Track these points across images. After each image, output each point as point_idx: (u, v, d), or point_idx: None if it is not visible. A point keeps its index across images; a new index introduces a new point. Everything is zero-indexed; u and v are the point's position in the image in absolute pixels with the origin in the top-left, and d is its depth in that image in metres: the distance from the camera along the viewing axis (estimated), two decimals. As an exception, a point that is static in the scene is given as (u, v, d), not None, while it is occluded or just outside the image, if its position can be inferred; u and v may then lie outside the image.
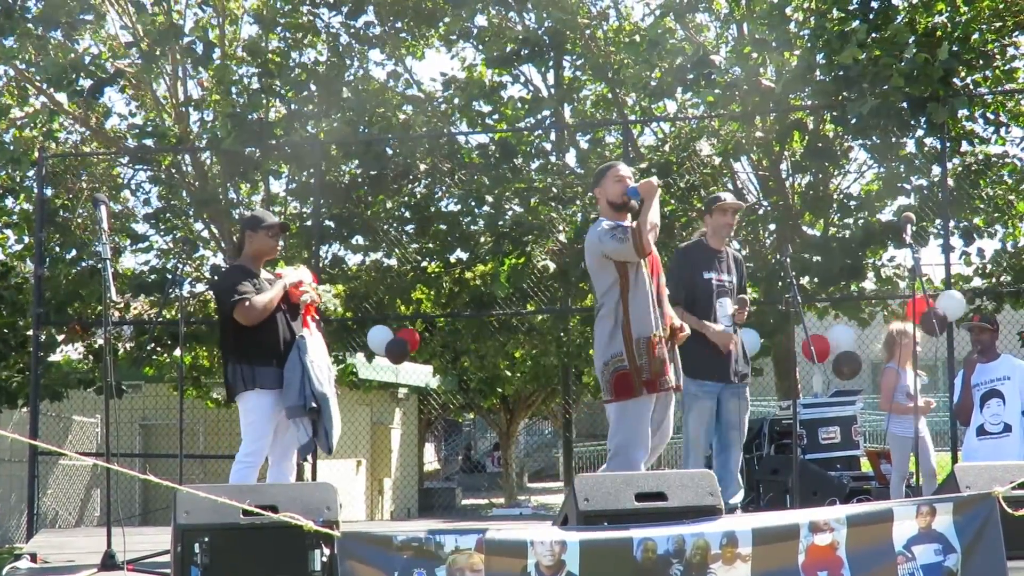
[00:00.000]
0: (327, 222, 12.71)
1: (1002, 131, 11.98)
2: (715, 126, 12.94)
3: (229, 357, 6.73)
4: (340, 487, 5.43)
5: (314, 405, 6.66)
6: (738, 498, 7.22)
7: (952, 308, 9.59)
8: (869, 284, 12.54)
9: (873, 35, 10.62)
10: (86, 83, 13.08)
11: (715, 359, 7.15)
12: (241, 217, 7.16)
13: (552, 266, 13.12)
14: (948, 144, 10.77)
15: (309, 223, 12.63)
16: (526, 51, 13.22)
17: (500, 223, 12.55)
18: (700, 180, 12.60)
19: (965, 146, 11.85)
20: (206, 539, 4.63)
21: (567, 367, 16.48)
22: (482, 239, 13.02)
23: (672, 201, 12.52)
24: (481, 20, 13.90)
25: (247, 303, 6.62)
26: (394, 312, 13.25)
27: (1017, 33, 11.66)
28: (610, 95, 14.05)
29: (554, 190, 12.91)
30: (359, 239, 13.41)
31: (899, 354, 7.88)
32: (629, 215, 6.35)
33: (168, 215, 13.84)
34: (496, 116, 13.84)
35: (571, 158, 14.20)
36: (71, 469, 16.37)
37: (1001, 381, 7.73)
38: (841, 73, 10.66)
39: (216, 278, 6.87)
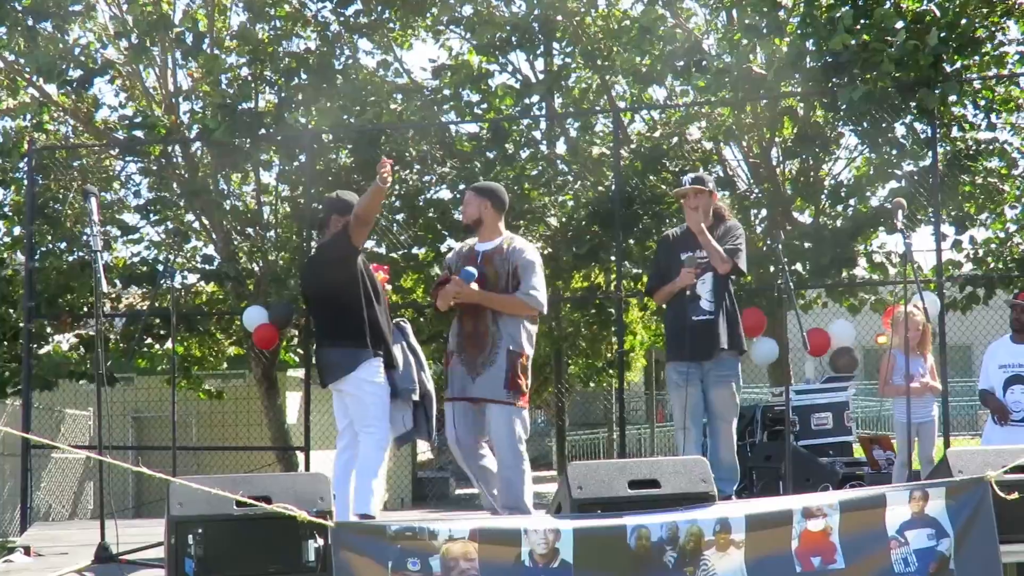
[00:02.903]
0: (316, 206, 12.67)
1: (992, 117, 11.99)
2: (706, 111, 12.95)
3: (346, 334, 6.53)
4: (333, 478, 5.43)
5: (429, 390, 6.75)
6: (736, 487, 7.22)
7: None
8: (860, 271, 12.56)
9: (862, 21, 10.62)
10: (76, 74, 13.05)
11: (688, 341, 7.14)
12: (327, 199, 7.05)
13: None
14: (939, 130, 10.78)
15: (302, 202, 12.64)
16: (515, 38, 13.19)
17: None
18: (691, 166, 12.59)
19: (955, 132, 11.86)
20: (200, 530, 4.63)
21: (560, 355, 16.49)
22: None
23: (663, 187, 12.53)
24: (467, 9, 13.83)
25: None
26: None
27: (1005, 18, 11.66)
28: (600, 81, 14.03)
29: (544, 177, 12.90)
30: (350, 227, 13.36)
31: (903, 337, 7.85)
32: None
33: (159, 206, 13.81)
34: (485, 106, 13.80)
35: (562, 146, 14.20)
36: (64, 462, 16.35)
37: None
38: (831, 59, 10.66)
39: (325, 255, 6.64)
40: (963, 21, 10.89)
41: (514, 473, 6.65)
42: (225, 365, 15.54)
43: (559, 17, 13.00)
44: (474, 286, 6.55)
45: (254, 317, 11.51)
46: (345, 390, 6.55)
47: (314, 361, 6.97)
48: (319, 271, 6.78)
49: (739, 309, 7.50)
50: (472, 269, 6.55)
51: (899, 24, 10.49)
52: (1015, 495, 4.81)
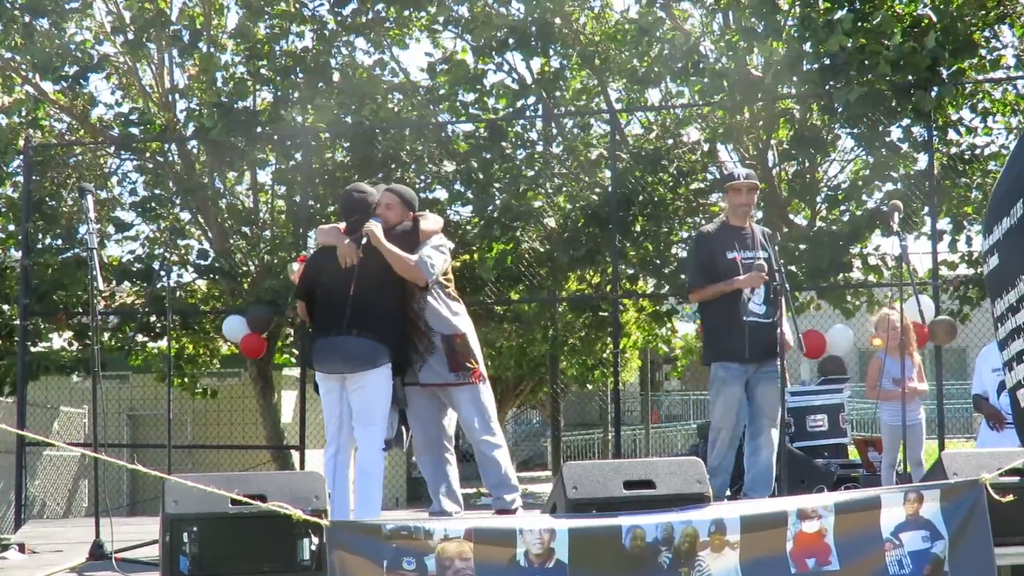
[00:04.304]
0: (311, 202, 12.66)
1: (988, 120, 12.00)
2: (704, 112, 12.95)
3: (380, 329, 6.52)
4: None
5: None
6: (766, 494, 7.16)
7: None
8: (855, 274, 12.55)
9: (859, 24, 10.64)
10: (71, 70, 13.04)
11: (740, 340, 7.15)
12: (358, 197, 6.86)
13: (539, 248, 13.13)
14: (935, 133, 10.79)
15: (297, 199, 12.61)
16: (513, 40, 13.18)
17: (490, 208, 12.53)
18: (688, 168, 12.60)
19: (952, 135, 11.87)
20: (195, 528, 4.62)
21: (555, 355, 16.47)
22: (468, 226, 12.99)
23: (661, 189, 12.53)
24: (464, 11, 13.76)
25: None
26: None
27: (999, 24, 11.68)
28: (596, 82, 14.02)
29: (541, 179, 12.89)
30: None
31: (886, 340, 7.87)
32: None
33: (154, 204, 13.81)
34: (477, 106, 13.79)
35: (557, 148, 14.18)
36: (59, 459, 16.34)
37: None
38: (828, 61, 10.68)
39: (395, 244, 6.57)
40: (959, 25, 10.91)
41: (488, 448, 6.71)
42: (217, 365, 15.52)
43: (557, 20, 12.98)
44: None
45: (235, 327, 11.47)
46: (360, 384, 6.48)
47: (323, 348, 6.61)
48: (380, 255, 6.61)
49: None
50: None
51: (896, 28, 10.51)
52: (1010, 498, 4.82)
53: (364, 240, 6.54)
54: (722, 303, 7.26)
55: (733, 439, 7.31)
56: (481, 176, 12.49)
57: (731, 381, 7.23)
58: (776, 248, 7.35)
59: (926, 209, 10.95)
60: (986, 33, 11.61)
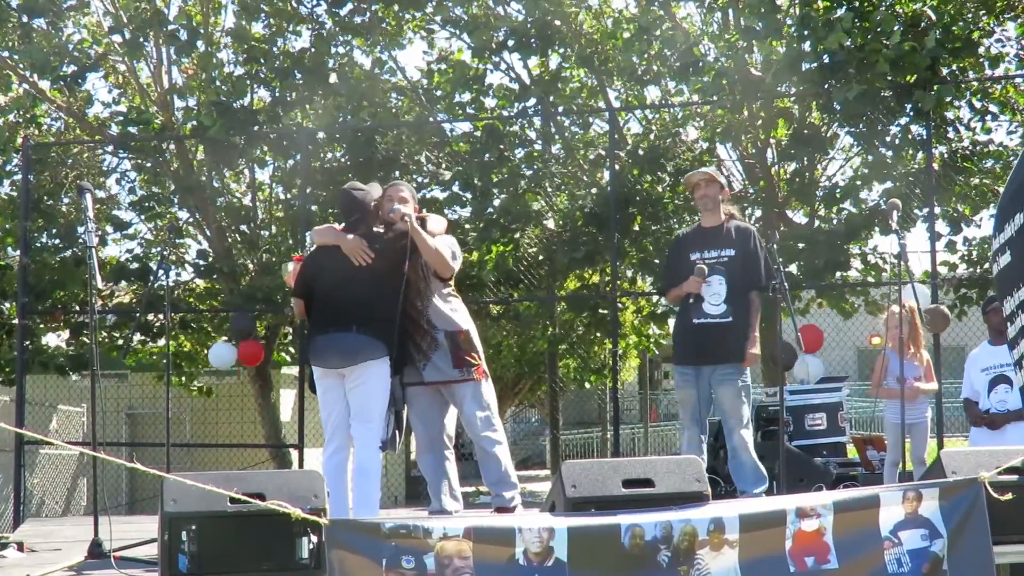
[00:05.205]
0: (312, 207, 12.65)
1: (987, 119, 12.01)
2: (704, 111, 12.95)
3: (379, 324, 6.49)
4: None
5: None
6: (760, 489, 7.19)
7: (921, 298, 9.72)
8: (854, 273, 12.56)
9: (859, 23, 10.64)
10: (69, 69, 13.04)
11: (688, 344, 7.23)
12: (359, 196, 6.79)
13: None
14: (934, 131, 10.79)
15: (295, 203, 12.59)
16: (513, 41, 13.16)
17: (489, 210, 12.52)
18: (688, 167, 12.58)
19: (951, 133, 11.87)
20: (193, 527, 4.61)
21: (554, 354, 16.47)
22: (468, 227, 12.98)
23: (660, 188, 12.53)
24: (460, 11, 13.72)
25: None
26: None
27: (1003, 15, 11.67)
28: (595, 81, 14.01)
29: (540, 175, 12.89)
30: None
31: (886, 337, 7.86)
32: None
33: (152, 203, 13.79)
34: (474, 106, 13.77)
35: (556, 148, 14.17)
36: (57, 458, 16.33)
37: (1011, 367, 7.65)
38: (827, 60, 10.68)
39: (402, 240, 6.46)
40: (959, 24, 10.91)
41: (489, 444, 6.72)
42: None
43: (557, 21, 12.95)
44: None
45: (222, 355, 11.73)
46: (359, 378, 6.44)
47: (321, 344, 6.56)
48: (385, 248, 6.58)
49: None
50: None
51: (895, 27, 10.51)
52: (1008, 496, 4.82)
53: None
54: (681, 307, 7.38)
55: (698, 438, 7.35)
56: (478, 182, 12.48)
57: (684, 385, 7.33)
58: (760, 245, 7.31)
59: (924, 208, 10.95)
60: (991, 27, 11.61)
